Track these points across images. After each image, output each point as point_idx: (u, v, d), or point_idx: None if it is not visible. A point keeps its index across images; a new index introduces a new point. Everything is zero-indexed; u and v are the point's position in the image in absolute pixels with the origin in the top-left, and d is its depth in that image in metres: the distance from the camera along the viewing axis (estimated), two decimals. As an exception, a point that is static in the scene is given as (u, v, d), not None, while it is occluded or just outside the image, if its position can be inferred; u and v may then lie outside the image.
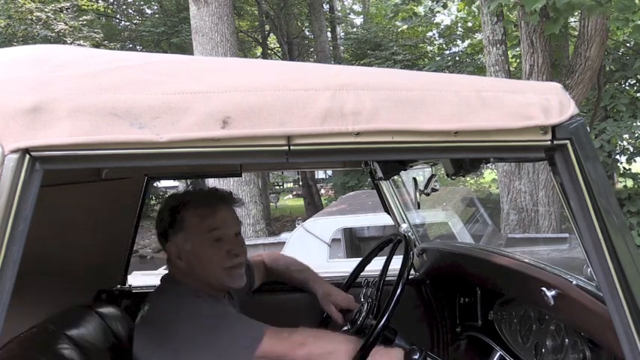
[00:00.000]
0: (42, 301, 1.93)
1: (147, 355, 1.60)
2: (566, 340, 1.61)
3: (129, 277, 2.50)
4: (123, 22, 19.25)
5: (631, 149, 10.03)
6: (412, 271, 2.50)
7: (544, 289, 1.44)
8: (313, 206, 16.28)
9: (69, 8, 13.79)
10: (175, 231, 1.68)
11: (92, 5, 15.08)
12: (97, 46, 12.82)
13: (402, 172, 2.20)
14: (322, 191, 19.86)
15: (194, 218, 1.68)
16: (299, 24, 20.88)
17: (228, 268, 1.70)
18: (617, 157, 10.00)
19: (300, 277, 2.25)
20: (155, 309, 1.67)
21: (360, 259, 2.29)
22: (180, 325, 1.55)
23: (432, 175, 1.86)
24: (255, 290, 2.25)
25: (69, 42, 12.46)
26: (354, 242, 7.59)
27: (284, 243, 6.79)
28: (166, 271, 1.80)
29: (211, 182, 8.42)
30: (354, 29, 19.78)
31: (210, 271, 1.69)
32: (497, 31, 7.85)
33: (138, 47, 17.33)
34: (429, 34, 17.90)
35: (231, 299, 1.87)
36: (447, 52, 16.17)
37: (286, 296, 2.43)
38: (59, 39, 12.64)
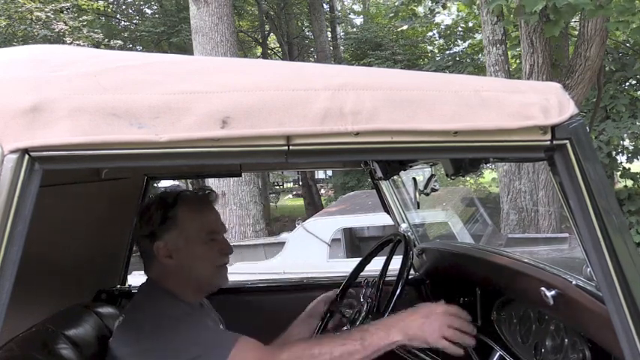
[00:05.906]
0: (42, 301, 1.93)
1: (124, 353, 1.56)
2: (566, 340, 1.61)
3: (129, 277, 2.50)
4: (123, 22, 19.23)
5: (630, 148, 10.01)
6: (412, 271, 2.49)
7: (544, 289, 1.44)
8: (313, 206, 16.28)
9: (69, 8, 13.77)
10: (167, 228, 1.64)
11: (92, 5, 15.06)
12: (97, 46, 12.80)
13: (402, 172, 2.20)
14: (322, 191, 19.86)
15: (188, 217, 1.65)
16: (299, 24, 20.88)
17: (219, 266, 1.71)
18: (617, 157, 9.99)
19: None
20: (135, 311, 1.65)
21: (360, 259, 2.29)
22: (156, 326, 1.52)
23: (432, 175, 1.86)
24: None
25: (69, 42, 12.44)
26: (354, 242, 7.59)
27: (284, 243, 6.79)
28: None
29: (211, 182, 8.42)
30: (354, 29, 19.77)
31: (202, 269, 1.68)
32: (497, 31, 7.86)
33: (138, 47, 17.33)
34: (429, 34, 17.89)
35: (205, 309, 1.82)
36: (447, 52, 16.15)
37: (283, 296, 2.42)
38: (59, 39, 12.63)
